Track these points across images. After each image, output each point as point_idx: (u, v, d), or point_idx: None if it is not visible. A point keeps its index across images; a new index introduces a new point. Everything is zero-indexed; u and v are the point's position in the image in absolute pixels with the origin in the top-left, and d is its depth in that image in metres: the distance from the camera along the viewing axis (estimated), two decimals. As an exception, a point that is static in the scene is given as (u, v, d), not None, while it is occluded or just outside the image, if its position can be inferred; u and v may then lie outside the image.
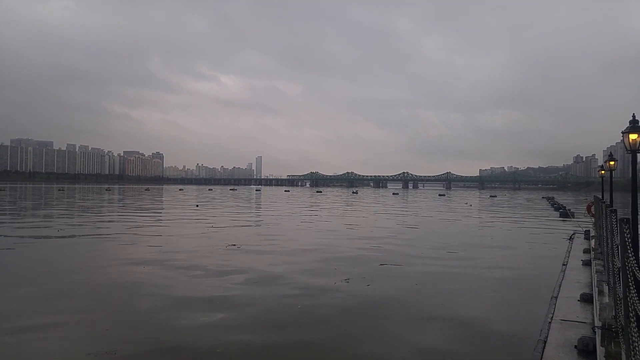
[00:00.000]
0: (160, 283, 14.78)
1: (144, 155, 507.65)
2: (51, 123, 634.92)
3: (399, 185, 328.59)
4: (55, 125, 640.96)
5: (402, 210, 61.56)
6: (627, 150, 11.27)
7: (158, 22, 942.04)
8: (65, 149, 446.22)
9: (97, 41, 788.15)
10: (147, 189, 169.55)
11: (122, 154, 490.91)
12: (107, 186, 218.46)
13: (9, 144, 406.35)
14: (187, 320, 11.01)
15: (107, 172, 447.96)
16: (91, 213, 49.23)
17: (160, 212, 52.83)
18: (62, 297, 12.96)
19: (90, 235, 28.17)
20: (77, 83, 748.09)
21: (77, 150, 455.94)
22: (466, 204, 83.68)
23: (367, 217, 48.36)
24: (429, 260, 19.96)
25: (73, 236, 27.67)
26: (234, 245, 23.42)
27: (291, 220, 42.83)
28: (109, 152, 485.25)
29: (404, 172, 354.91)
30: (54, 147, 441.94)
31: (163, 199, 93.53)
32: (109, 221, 37.93)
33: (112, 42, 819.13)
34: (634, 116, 11.14)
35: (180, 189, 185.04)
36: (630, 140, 11.06)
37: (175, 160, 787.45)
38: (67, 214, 46.63)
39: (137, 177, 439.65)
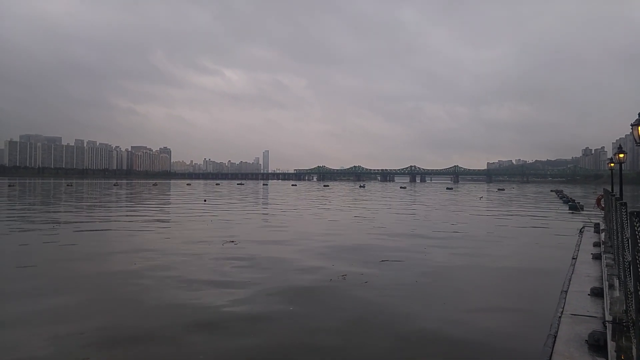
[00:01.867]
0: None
1: (151, 150, 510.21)
2: (58, 118, 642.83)
3: (407, 179, 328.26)
4: (62, 120, 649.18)
5: (412, 204, 61.42)
6: (636, 142, 11.18)
7: (161, 16, 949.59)
8: (73, 144, 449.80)
9: (101, 36, 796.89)
10: (155, 184, 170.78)
11: (129, 149, 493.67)
12: (115, 181, 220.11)
13: (18, 140, 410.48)
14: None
15: (115, 167, 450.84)
16: (97, 208, 49.62)
17: (169, 207, 53.11)
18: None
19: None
20: (83, 78, 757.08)
21: (85, 145, 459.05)
22: (480, 198, 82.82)
23: (376, 211, 48.35)
24: (435, 248, 19.98)
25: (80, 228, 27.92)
26: (232, 241, 22.94)
27: (301, 214, 42.94)
28: (117, 147, 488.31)
29: (411, 166, 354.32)
30: (63, 143, 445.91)
31: (171, 194, 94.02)
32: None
33: (115, 37, 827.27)
34: (644, 108, 11.00)
35: (188, 184, 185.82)
36: (641, 132, 10.95)
37: (183, 155, 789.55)
38: (70, 209, 47.03)
39: (145, 172, 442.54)
